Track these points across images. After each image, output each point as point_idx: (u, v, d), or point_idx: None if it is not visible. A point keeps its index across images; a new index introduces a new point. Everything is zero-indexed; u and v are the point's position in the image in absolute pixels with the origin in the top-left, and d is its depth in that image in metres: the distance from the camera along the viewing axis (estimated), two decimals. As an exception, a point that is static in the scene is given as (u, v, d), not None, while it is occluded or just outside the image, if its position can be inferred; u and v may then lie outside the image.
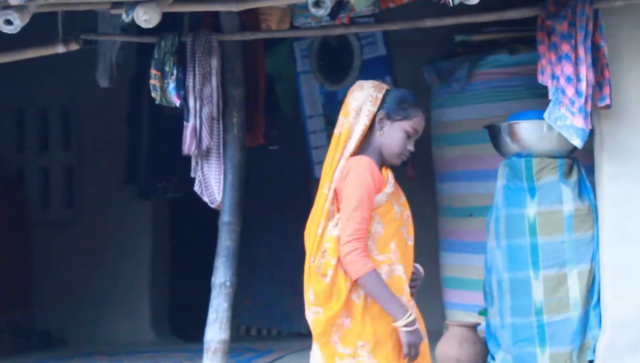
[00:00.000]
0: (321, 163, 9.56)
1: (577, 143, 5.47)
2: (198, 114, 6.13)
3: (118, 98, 9.38)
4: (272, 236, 9.83)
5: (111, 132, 9.74)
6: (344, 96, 4.07)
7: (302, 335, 9.27)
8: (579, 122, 5.42)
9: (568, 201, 5.74)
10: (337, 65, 8.88)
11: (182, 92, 6.12)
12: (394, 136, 3.94)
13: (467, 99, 7.04)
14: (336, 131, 4.01)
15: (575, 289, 5.69)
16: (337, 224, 3.87)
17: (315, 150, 8.97)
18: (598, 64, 5.51)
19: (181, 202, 9.99)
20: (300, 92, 9.04)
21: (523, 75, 6.84)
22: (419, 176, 7.81)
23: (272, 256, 9.81)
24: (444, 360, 6.19)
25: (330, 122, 8.78)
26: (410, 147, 3.98)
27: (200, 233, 10.64)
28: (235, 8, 5.61)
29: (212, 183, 6.26)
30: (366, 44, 8.81)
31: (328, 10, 4.93)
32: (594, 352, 5.62)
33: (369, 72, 8.75)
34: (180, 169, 9.06)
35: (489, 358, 5.86)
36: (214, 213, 6.78)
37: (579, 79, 5.43)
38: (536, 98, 6.56)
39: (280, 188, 9.90)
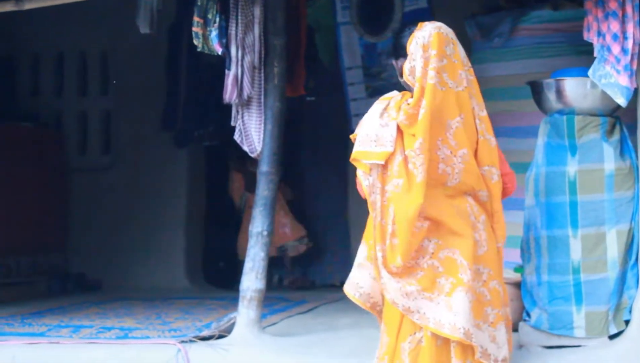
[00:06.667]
0: (358, 115, 9.48)
1: (622, 101, 5.42)
2: (240, 62, 6.12)
3: (157, 45, 9.38)
4: (306, 187, 9.84)
5: (149, 79, 9.76)
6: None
7: (335, 287, 9.31)
8: (624, 80, 5.37)
9: (609, 160, 5.68)
10: (378, 17, 8.82)
11: (224, 41, 6.10)
12: None
13: (509, 54, 6.98)
14: None
15: (613, 248, 5.65)
16: None
17: (353, 102, 8.93)
18: (645, 22, 5.45)
19: (217, 150, 10.02)
20: (339, 43, 8.99)
21: (566, 31, 6.77)
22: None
23: (306, 208, 9.83)
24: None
25: (369, 74, 8.74)
26: None
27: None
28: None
29: (253, 132, 6.25)
30: (408, -4, 8.73)
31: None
32: (630, 311, 5.59)
33: (409, 25, 8.68)
34: (216, 118, 9.08)
35: (524, 314, 5.85)
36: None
37: (625, 37, 5.37)
38: (579, 55, 6.48)
39: (316, 139, 9.89)
